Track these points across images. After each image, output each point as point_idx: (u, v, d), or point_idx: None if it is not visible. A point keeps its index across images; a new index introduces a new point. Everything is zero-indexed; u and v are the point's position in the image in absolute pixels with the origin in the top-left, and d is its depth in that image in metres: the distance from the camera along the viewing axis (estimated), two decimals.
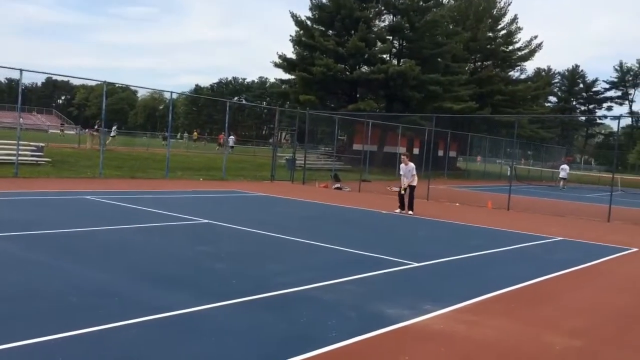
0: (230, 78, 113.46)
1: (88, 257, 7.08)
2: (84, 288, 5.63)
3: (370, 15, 40.29)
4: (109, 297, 5.35)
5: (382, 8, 41.26)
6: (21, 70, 16.79)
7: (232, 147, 50.66)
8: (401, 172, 15.12)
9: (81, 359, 3.87)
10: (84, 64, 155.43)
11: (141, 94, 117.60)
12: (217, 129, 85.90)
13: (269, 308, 5.42)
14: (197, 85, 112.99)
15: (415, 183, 14.93)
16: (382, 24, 41.70)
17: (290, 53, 43.00)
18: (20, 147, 18.41)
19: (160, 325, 4.71)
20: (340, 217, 13.79)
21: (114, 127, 43.57)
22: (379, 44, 40.89)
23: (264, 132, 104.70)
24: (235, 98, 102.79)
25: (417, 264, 7.98)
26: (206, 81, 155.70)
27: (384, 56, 41.61)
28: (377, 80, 37.99)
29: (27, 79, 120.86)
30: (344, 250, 8.73)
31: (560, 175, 36.12)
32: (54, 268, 6.40)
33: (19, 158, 17.69)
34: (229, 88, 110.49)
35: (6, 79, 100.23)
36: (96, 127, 35.19)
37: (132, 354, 4.05)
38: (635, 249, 11.16)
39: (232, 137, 53.33)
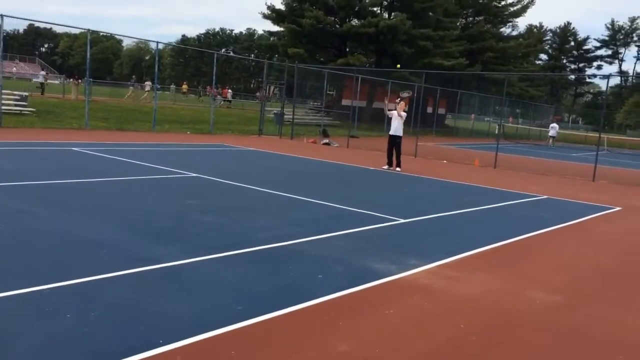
0: (217, 29, 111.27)
1: (76, 209, 7.06)
2: (72, 239, 5.64)
3: None
4: (98, 249, 5.37)
5: None
6: (2, 15, 16.28)
7: (229, 100, 51.12)
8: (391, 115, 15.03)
9: (70, 309, 3.90)
10: (67, 11, 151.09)
11: (126, 43, 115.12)
12: (204, 81, 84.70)
13: (256, 262, 5.47)
14: (183, 36, 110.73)
15: (401, 133, 14.86)
16: None
17: (279, 4, 42.13)
18: (4, 96, 18.05)
19: (148, 278, 4.75)
20: (328, 172, 13.82)
21: (147, 82, 44.82)
22: None
23: (252, 85, 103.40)
24: (223, 50, 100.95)
25: (403, 220, 8.07)
26: (193, 32, 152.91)
27: (375, 9, 40.85)
28: (367, 34, 37.38)
29: (9, 26, 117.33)
30: (332, 205, 8.78)
31: (550, 134, 36.47)
32: (42, 219, 6.38)
33: (3, 107, 17.36)
34: (216, 39, 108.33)
35: None
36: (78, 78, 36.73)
37: (120, 304, 4.10)
38: (618, 208, 11.35)
39: (229, 90, 53.86)
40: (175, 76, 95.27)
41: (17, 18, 23.47)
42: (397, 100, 15.22)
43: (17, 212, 6.62)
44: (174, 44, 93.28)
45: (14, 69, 41.07)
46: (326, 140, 22.32)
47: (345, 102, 38.30)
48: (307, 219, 7.78)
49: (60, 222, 6.34)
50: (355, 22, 39.61)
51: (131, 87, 45.56)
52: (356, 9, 38.85)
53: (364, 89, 35.11)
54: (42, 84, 38.49)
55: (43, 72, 41.72)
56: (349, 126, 25.30)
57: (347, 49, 41.57)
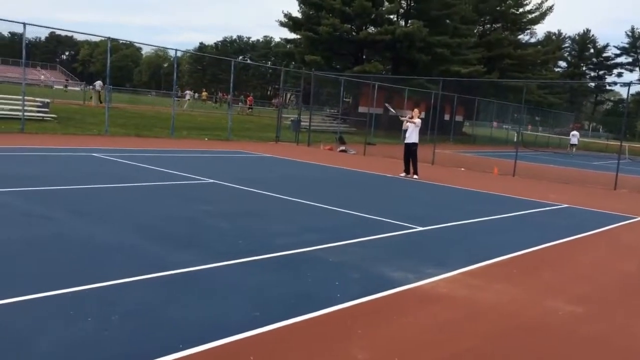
0: (234, 37, 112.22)
1: (95, 214, 7.12)
2: (92, 244, 5.69)
3: None
4: (116, 254, 5.41)
5: None
6: (24, 24, 16.56)
7: (251, 107, 51.99)
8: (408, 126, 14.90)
9: (92, 313, 3.93)
10: (87, 19, 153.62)
11: (145, 51, 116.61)
12: (222, 88, 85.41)
13: (274, 268, 5.47)
14: (201, 44, 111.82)
15: (416, 140, 14.74)
16: None
17: (295, 12, 42.32)
18: (26, 103, 18.35)
19: (166, 283, 4.76)
20: (344, 179, 13.80)
21: (187, 92, 45.28)
22: (386, 3, 40.12)
23: (269, 92, 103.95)
24: (240, 57, 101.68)
25: (421, 228, 8.01)
26: (210, 39, 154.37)
27: (391, 16, 40.87)
28: (384, 42, 37.40)
29: (31, 34, 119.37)
30: (349, 212, 8.76)
31: (571, 142, 36.29)
32: (62, 224, 6.45)
33: (25, 114, 17.65)
34: (233, 47, 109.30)
35: (9, 32, 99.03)
36: (96, 85, 37.23)
37: (139, 309, 4.12)
38: None
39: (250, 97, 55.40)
40: (193, 83, 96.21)
41: (39, 26, 23.92)
42: (387, 105, 15.41)
43: (38, 216, 6.70)
44: (192, 51, 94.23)
45: (42, 77, 41.94)
46: (343, 148, 22.32)
47: (362, 109, 38.31)
48: (324, 226, 7.77)
49: (79, 227, 6.40)
50: (371, 29, 39.65)
51: (95, 89, 42.09)
52: (373, 16, 38.90)
53: (380, 96, 35.08)
54: (98, 92, 38.22)
55: (99, 82, 42.37)
56: (366, 133, 25.26)
57: (364, 57, 41.60)
